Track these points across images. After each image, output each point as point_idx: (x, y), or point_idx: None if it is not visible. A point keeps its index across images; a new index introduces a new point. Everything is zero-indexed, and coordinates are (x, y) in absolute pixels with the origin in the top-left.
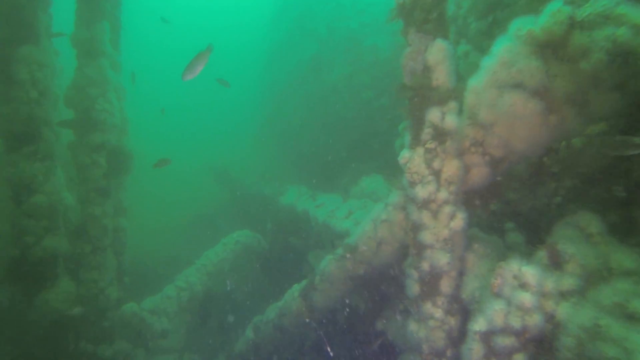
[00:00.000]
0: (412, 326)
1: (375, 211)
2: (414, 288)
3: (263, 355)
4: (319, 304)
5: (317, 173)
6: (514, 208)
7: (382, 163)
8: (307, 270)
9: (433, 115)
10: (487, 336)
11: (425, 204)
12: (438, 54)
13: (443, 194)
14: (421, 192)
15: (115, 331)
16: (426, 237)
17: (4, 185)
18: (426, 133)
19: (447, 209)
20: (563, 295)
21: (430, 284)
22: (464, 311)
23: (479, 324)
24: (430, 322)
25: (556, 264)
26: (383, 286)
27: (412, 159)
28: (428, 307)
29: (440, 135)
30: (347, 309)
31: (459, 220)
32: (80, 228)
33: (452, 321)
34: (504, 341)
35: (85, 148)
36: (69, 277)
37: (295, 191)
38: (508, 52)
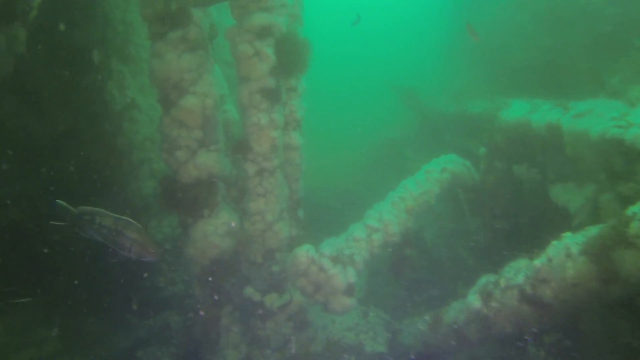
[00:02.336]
0: None
1: None
2: None
3: (496, 336)
4: (630, 270)
5: (540, 83)
6: None
7: None
8: (550, 214)
9: None
10: None
11: None
12: None
13: None
14: None
15: (287, 279)
16: None
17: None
18: None
19: None
20: None
21: None
22: None
23: None
24: None
25: None
26: None
27: None
28: None
29: None
30: None
31: None
32: (242, 143)
33: None
34: None
35: (246, 33)
36: (232, 206)
37: (522, 103)
38: None
